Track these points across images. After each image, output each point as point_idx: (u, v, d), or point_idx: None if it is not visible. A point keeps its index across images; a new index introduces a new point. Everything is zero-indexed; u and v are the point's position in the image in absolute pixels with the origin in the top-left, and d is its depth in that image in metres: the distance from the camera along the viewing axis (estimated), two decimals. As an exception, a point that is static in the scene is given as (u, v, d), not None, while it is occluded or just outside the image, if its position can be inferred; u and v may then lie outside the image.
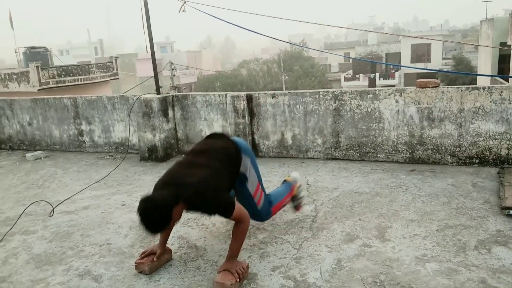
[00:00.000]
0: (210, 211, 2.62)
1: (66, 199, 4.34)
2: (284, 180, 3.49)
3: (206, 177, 2.59)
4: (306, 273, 2.65)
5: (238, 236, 2.67)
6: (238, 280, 2.52)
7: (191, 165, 2.73)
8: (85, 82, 20.04)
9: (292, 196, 3.39)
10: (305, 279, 2.58)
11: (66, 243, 3.35)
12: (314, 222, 3.36)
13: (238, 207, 2.63)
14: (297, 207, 3.46)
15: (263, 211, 3.05)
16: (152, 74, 5.93)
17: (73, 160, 6.11)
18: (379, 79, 39.54)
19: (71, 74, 19.60)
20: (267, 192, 3.19)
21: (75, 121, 6.56)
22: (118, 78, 23.57)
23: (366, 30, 6.19)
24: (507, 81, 13.54)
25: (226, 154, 2.81)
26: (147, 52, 5.82)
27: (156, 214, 2.39)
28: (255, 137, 5.43)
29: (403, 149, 4.74)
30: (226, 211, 2.59)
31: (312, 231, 3.21)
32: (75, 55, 60.18)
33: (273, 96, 5.24)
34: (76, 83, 19.54)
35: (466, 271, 2.56)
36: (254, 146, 5.43)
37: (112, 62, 22.40)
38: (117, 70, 22.75)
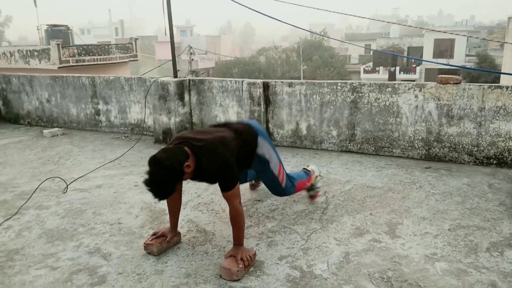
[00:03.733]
0: (215, 172, 2.53)
1: (80, 177, 4.40)
2: (303, 168, 3.59)
3: (221, 137, 2.62)
4: (313, 264, 2.64)
5: (235, 223, 2.66)
6: (244, 266, 2.53)
7: (203, 131, 2.78)
8: (104, 62, 20.19)
9: (310, 185, 3.48)
10: (311, 270, 2.58)
11: (78, 220, 3.40)
12: (324, 214, 3.35)
13: (238, 189, 2.63)
14: (313, 197, 3.56)
15: (287, 188, 3.21)
16: (171, 58, 5.93)
17: (89, 138, 6.19)
18: (400, 73, 38.86)
19: (91, 54, 19.75)
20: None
21: (92, 100, 6.62)
22: (137, 60, 23.68)
23: (388, 22, 6.07)
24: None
25: (242, 133, 2.85)
26: (166, 34, 5.81)
27: (165, 174, 2.37)
28: (270, 125, 5.41)
29: (420, 146, 4.67)
30: (230, 179, 2.55)
31: (321, 223, 3.20)
32: (96, 35, 60.53)
33: (290, 85, 5.19)
34: (95, 62, 19.70)
35: (476, 273, 2.52)
36: (269, 134, 5.41)
37: (132, 43, 22.48)
38: (136, 51, 22.83)
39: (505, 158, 4.31)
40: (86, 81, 6.61)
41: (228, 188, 2.58)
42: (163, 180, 2.40)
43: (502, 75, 18.83)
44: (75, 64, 18.85)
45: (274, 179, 3.11)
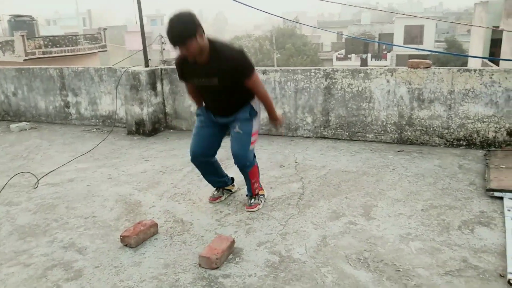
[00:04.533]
0: (234, 59, 2.75)
1: (51, 171, 4.28)
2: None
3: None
4: (292, 248, 2.67)
5: (266, 103, 3.01)
6: (223, 252, 2.53)
7: None
8: (73, 53, 19.62)
9: (258, 184, 3.29)
10: (290, 255, 2.60)
11: (51, 215, 3.32)
12: (301, 199, 3.37)
13: (258, 76, 2.90)
14: (251, 205, 3.24)
15: (250, 155, 3.10)
16: (141, 48, 5.80)
17: (59, 132, 6.01)
18: (371, 59, 39.38)
19: (58, 45, 19.16)
20: None
21: (61, 92, 6.43)
22: (106, 50, 23.10)
23: (362, 7, 6.09)
24: (498, 64, 13.58)
25: None
26: (136, 23, 5.68)
27: (185, 20, 2.60)
28: (245, 113, 5.38)
29: (392, 130, 4.75)
30: (248, 64, 2.80)
31: (298, 208, 3.22)
32: (63, 26, 58.53)
33: (264, 72, 5.17)
34: (63, 54, 19.12)
35: (449, 250, 2.60)
36: (244, 122, 5.38)
37: (101, 33, 21.92)
38: (105, 42, 22.28)
39: (474, 140, 4.45)
40: (54, 73, 6.40)
41: (249, 72, 2.80)
42: (183, 23, 2.60)
43: (469, 60, 19.35)
44: (41, 56, 18.23)
45: (247, 136, 3.02)
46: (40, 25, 23.12)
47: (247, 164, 3.09)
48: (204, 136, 3.12)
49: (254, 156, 3.23)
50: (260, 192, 3.34)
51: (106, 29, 23.02)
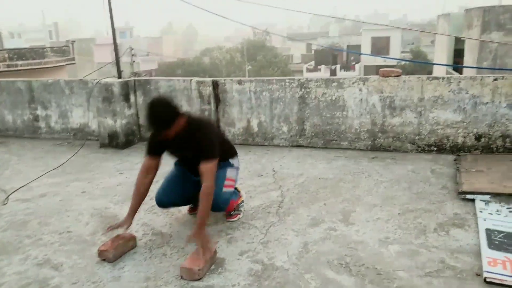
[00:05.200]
0: (202, 139, 2.76)
1: (22, 187, 4.13)
2: (235, 188, 3.28)
3: (211, 122, 3.13)
4: (274, 256, 2.67)
5: (204, 198, 2.66)
6: (206, 262, 2.50)
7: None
8: (40, 66, 19.10)
9: (236, 205, 3.26)
10: (272, 263, 2.60)
11: (23, 231, 3.19)
12: (280, 208, 3.39)
13: (215, 168, 2.75)
14: (231, 216, 3.23)
15: (224, 195, 2.97)
16: (111, 60, 5.73)
17: (28, 146, 5.82)
18: (340, 70, 40.23)
19: (24, 58, 18.62)
20: None
21: (30, 105, 6.24)
22: (74, 63, 22.63)
23: (333, 17, 6.26)
24: (461, 73, 14.18)
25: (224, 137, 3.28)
26: (108, 34, 5.60)
27: (165, 109, 2.67)
28: (221, 124, 5.38)
29: (366, 137, 4.85)
30: (212, 149, 2.76)
31: (278, 216, 3.23)
32: (28, 39, 57.00)
33: (239, 82, 5.20)
34: (29, 67, 18.57)
35: (427, 252, 2.66)
36: (219, 133, 5.38)
37: (69, 46, 21.49)
38: (73, 54, 21.84)
39: (444, 145, 4.60)
40: (22, 86, 6.21)
41: (208, 156, 2.71)
42: (162, 113, 2.67)
43: (434, 69, 20.07)
44: (6, 69, 17.65)
45: (222, 180, 2.96)
46: (4, 37, 22.44)
47: (220, 206, 2.95)
48: (176, 184, 3.06)
49: (231, 197, 3.10)
50: (239, 202, 3.30)
51: (74, 41, 22.61)
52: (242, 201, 3.35)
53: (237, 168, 3.19)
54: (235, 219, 3.20)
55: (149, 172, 2.90)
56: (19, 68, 18.16)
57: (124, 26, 65.43)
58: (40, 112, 6.21)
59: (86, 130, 5.97)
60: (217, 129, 3.17)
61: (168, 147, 2.91)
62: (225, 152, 3.02)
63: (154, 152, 2.91)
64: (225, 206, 3.06)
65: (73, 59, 21.74)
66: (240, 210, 3.29)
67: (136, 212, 2.93)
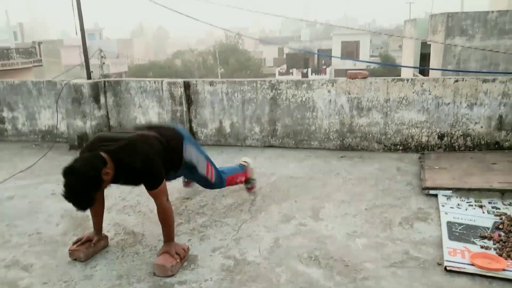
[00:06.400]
0: (138, 171, 2.40)
1: (-12, 189, 4.03)
2: (240, 163, 3.69)
3: (142, 135, 2.51)
4: (246, 252, 2.73)
5: (164, 220, 2.59)
6: (178, 261, 2.53)
7: (124, 131, 2.73)
8: (4, 68, 18.50)
9: (246, 178, 3.61)
10: (244, 258, 2.66)
11: (-10, 234, 3.13)
12: (253, 205, 3.45)
13: (165, 186, 2.56)
14: (250, 189, 3.67)
15: (217, 183, 3.28)
16: (79, 62, 5.67)
17: (-7, 149, 5.66)
18: (311, 74, 40.83)
19: (-13, 59, 18.00)
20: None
21: (-5, 107, 6.07)
22: (41, 65, 22.05)
23: (305, 20, 6.39)
24: (428, 75, 14.69)
25: (166, 134, 2.77)
26: (76, 34, 5.53)
27: (83, 185, 2.26)
28: (193, 125, 5.40)
29: (335, 137, 4.99)
30: (154, 177, 2.45)
31: (251, 214, 3.30)
32: (-9, 40, 55.02)
33: (211, 83, 5.24)
34: (-7, 69, 17.99)
35: (392, 244, 2.79)
36: (192, 134, 5.40)
37: (35, 47, 20.91)
38: (40, 56, 21.27)
39: (409, 144, 4.79)
40: (-14, 87, 6.03)
41: (153, 186, 2.50)
42: (81, 191, 2.29)
43: (402, 73, 20.67)
44: (-32, 71, 17.02)
45: (203, 178, 3.15)
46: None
47: (223, 186, 3.38)
48: None
49: (221, 175, 3.32)
50: (249, 177, 3.62)
51: (41, 43, 22.01)
52: (251, 169, 3.65)
53: (195, 145, 3.00)
54: (253, 190, 3.66)
55: (99, 204, 2.72)
56: (-18, 69, 17.56)
57: (94, 27, 64.13)
58: (6, 114, 6.05)
59: (55, 132, 5.87)
60: (149, 136, 2.58)
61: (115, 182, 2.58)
62: (176, 157, 2.81)
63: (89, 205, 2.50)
64: (224, 185, 3.35)
65: (40, 60, 21.17)
66: (254, 180, 3.68)
67: (101, 228, 2.83)
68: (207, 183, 3.26)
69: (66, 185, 2.29)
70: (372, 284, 2.37)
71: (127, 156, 2.40)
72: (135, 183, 2.61)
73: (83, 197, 2.31)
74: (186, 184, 3.81)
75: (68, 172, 2.29)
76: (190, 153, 2.91)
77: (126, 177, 2.51)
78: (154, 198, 2.57)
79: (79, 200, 2.32)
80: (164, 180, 2.57)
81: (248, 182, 3.65)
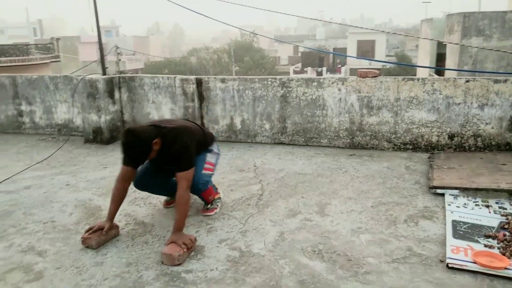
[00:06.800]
0: (177, 153, 2.82)
1: (6, 179, 4.17)
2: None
3: (185, 125, 3.00)
4: (251, 244, 2.80)
5: (180, 208, 2.77)
6: (185, 251, 2.62)
7: (170, 120, 3.20)
8: (23, 63, 18.87)
9: (213, 198, 3.35)
10: (250, 250, 2.73)
11: (7, 221, 3.26)
12: (260, 200, 3.52)
13: (192, 175, 2.86)
14: (208, 210, 3.30)
15: (202, 176, 3.07)
16: (96, 58, 5.80)
17: (11, 141, 5.84)
18: (326, 73, 40.65)
19: (7, 54, 18.39)
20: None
21: (14, 101, 6.25)
22: (59, 61, 22.43)
23: (320, 20, 6.41)
24: (444, 75, 14.55)
25: (205, 131, 3.32)
26: (92, 31, 5.66)
27: (138, 144, 2.69)
28: (205, 121, 5.49)
29: (344, 135, 5.02)
30: (185, 161, 2.83)
31: (258, 208, 3.36)
32: (11, 35, 56.06)
33: (222, 80, 5.32)
34: (12, 64, 18.35)
35: (396, 241, 2.82)
36: (203, 130, 5.49)
37: (53, 43, 21.29)
38: (58, 52, 21.65)
39: (419, 143, 4.79)
40: (6, 81, 6.22)
41: (181, 168, 2.80)
42: (136, 148, 2.72)
43: (418, 73, 20.48)
44: (-12, 65, 17.41)
45: (202, 162, 3.09)
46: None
47: (199, 187, 3.06)
48: (151, 168, 3.13)
49: (210, 179, 3.24)
50: (216, 197, 3.38)
51: (59, 39, 22.41)
52: (219, 198, 3.43)
53: (218, 154, 3.33)
54: (211, 213, 3.27)
55: (127, 180, 2.94)
56: (1, 65, 17.94)
57: (110, 24, 64.91)
58: (24, 107, 6.23)
59: (71, 126, 6.02)
60: (193, 129, 3.04)
61: (150, 161, 2.98)
62: (205, 143, 3.20)
63: (132, 164, 2.90)
64: (204, 188, 3.16)
65: (57, 56, 21.55)
66: (217, 205, 3.35)
67: (115, 216, 2.95)
68: (196, 169, 2.97)
69: (123, 142, 2.73)
70: (373, 279, 2.42)
71: (172, 136, 2.84)
72: (172, 163, 2.85)
73: (137, 152, 2.74)
74: (168, 203, 3.48)
75: (127, 131, 2.75)
76: (214, 146, 3.32)
77: (165, 154, 2.84)
78: (178, 181, 2.81)
79: (133, 154, 2.74)
80: (193, 169, 2.87)
81: (212, 203, 3.33)
